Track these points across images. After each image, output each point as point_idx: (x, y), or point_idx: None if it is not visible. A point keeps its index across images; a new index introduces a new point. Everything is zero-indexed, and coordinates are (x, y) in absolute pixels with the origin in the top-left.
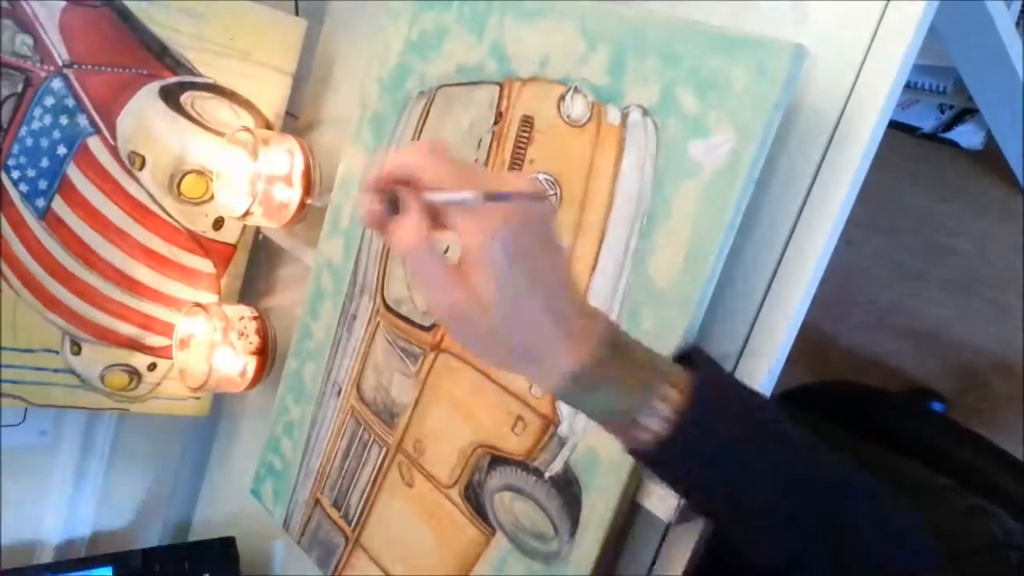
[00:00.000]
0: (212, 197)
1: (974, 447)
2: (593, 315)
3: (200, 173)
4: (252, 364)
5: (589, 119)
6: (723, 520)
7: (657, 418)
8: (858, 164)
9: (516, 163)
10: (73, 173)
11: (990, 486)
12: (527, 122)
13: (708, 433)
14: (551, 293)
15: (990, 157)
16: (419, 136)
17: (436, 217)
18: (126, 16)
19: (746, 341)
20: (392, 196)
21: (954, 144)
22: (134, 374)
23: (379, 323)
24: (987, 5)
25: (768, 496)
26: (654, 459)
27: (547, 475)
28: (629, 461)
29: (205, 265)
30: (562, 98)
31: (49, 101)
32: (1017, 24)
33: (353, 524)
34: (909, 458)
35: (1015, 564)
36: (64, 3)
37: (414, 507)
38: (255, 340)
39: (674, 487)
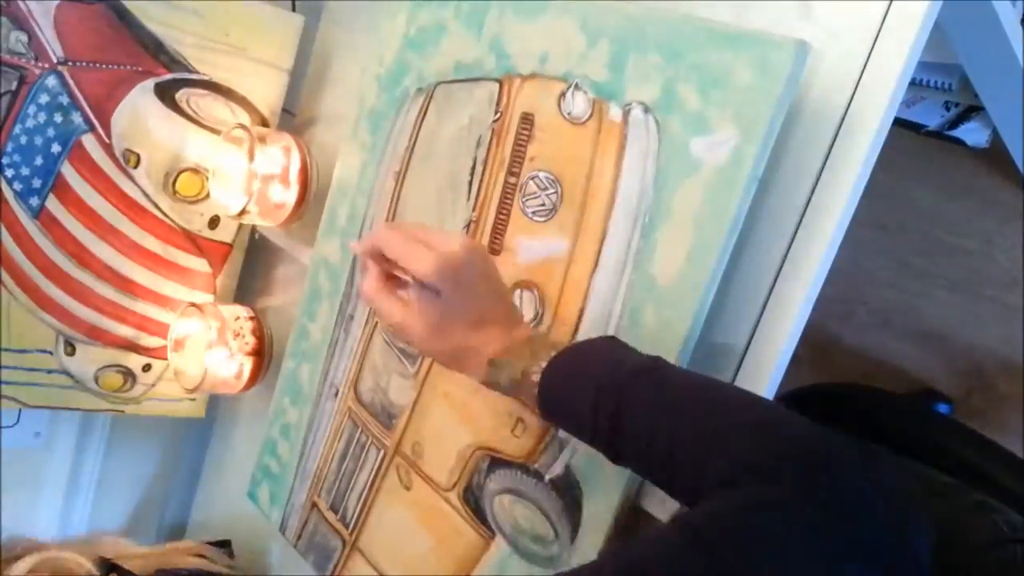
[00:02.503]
0: (208, 195)
1: (978, 447)
2: (515, 321)
3: (196, 171)
4: (248, 365)
5: (590, 116)
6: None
7: (538, 367)
8: (863, 162)
9: (516, 161)
10: (67, 171)
11: (995, 485)
12: (527, 119)
13: (569, 372)
14: (473, 314)
15: (996, 155)
16: (417, 134)
17: (391, 276)
18: (121, 13)
19: (750, 341)
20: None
21: (960, 142)
22: (129, 375)
23: (377, 323)
24: (992, 2)
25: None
26: (540, 401)
27: (547, 478)
28: None
29: (201, 264)
30: (563, 95)
31: (44, 98)
32: (1022, 21)
33: (350, 527)
34: (914, 460)
35: (1021, 558)
36: (59, 0)
37: (412, 510)
38: (251, 341)
39: (573, 431)
